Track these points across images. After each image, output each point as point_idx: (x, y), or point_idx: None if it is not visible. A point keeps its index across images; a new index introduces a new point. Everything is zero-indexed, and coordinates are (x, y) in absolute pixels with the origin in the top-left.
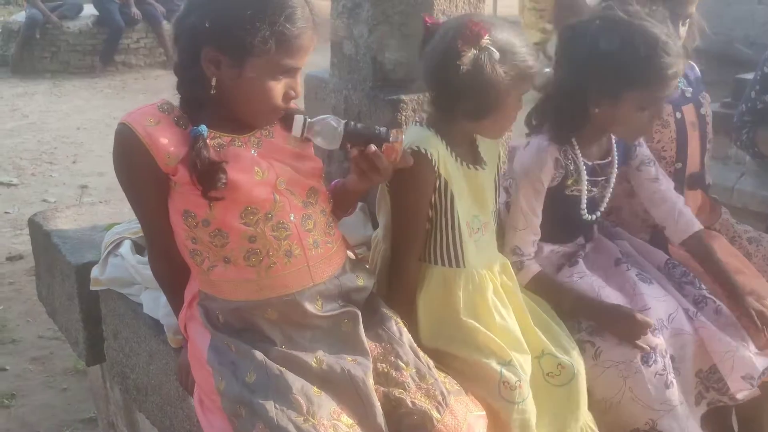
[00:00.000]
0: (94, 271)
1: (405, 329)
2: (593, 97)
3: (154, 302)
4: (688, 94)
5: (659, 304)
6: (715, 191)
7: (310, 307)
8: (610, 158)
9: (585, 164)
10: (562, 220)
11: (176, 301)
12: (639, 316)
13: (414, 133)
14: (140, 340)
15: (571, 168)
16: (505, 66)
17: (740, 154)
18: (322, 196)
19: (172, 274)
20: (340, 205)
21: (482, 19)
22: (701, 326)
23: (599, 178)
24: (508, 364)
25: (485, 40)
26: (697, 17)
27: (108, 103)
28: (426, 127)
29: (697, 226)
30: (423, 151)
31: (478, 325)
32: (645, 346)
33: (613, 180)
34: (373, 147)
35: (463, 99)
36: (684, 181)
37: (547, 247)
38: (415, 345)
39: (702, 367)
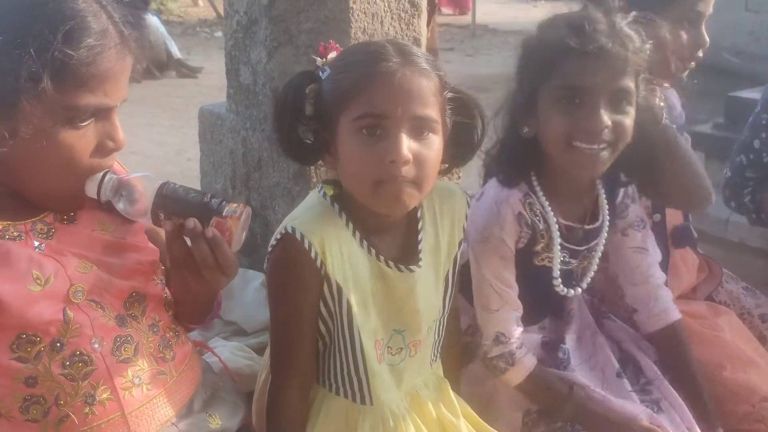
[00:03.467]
0: None
1: None
2: (521, 111)
3: None
4: None
5: None
6: (706, 224)
7: None
8: (599, 222)
9: (558, 223)
10: (528, 296)
11: None
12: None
13: (305, 208)
14: None
15: (541, 227)
16: (326, 83)
17: None
18: (154, 302)
19: None
20: (188, 310)
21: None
22: None
23: (580, 248)
24: None
25: (324, 60)
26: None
27: None
28: (328, 198)
29: (675, 316)
30: (299, 238)
31: None
32: None
33: (600, 250)
34: (192, 221)
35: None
36: (667, 238)
37: None
38: None
39: None
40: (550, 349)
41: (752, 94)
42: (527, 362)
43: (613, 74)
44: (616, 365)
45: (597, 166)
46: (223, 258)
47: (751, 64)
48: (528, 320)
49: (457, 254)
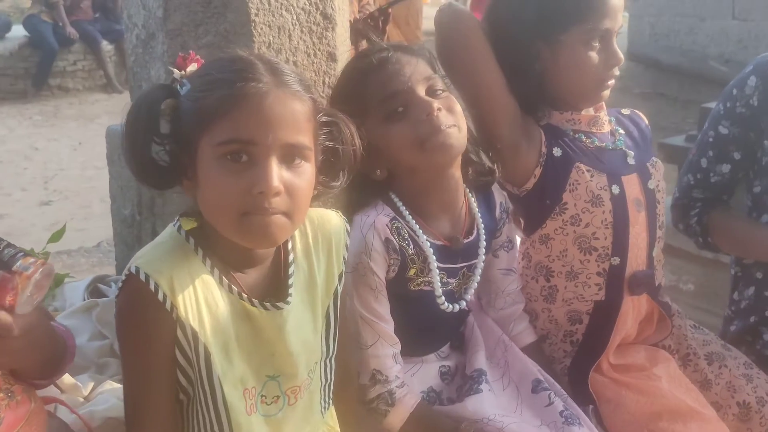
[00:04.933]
0: None
1: None
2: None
3: None
4: (631, 160)
5: None
6: (679, 240)
7: None
8: (473, 236)
9: (432, 244)
10: (414, 326)
11: None
12: None
13: (154, 244)
14: None
15: (411, 251)
16: (189, 100)
17: None
18: None
19: None
20: (23, 366)
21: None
22: None
23: (458, 265)
24: None
25: (183, 72)
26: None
27: (34, 132)
28: (183, 232)
29: (531, 338)
30: (143, 279)
31: None
32: None
33: (480, 266)
34: None
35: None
36: (623, 284)
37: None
38: None
39: None
40: (451, 379)
41: None
42: (408, 402)
43: (414, 69)
44: (533, 378)
45: (457, 143)
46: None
47: (739, 73)
48: (424, 350)
49: (337, 288)
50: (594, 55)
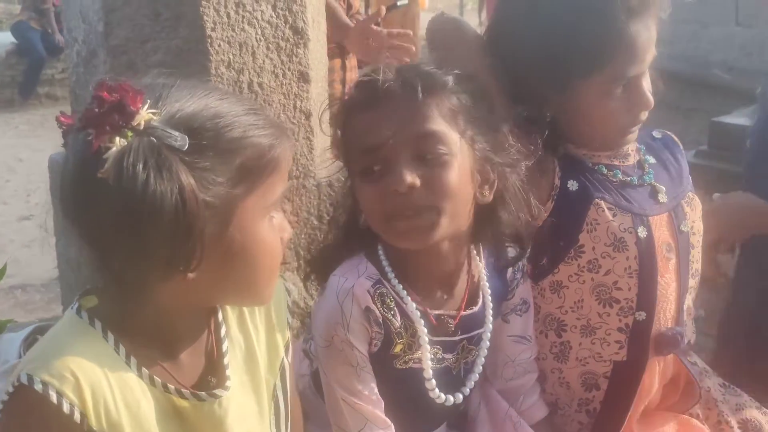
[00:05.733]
0: None
1: None
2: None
3: None
4: (663, 197)
5: None
6: None
7: None
8: (477, 307)
9: (422, 314)
10: (402, 407)
11: None
12: None
13: (50, 338)
14: None
15: (397, 324)
16: (204, 160)
17: None
18: None
19: None
20: None
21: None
22: None
23: (456, 338)
24: None
25: (142, 115)
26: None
27: (19, 142)
28: (85, 315)
29: (542, 414)
30: (40, 390)
31: None
32: None
33: (487, 338)
34: None
35: (126, 249)
36: (649, 342)
37: None
38: None
39: None
40: None
41: (738, 119)
42: None
43: (405, 121)
44: None
45: (425, 237)
46: None
47: (743, 81)
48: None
49: (284, 361)
50: (615, 105)
